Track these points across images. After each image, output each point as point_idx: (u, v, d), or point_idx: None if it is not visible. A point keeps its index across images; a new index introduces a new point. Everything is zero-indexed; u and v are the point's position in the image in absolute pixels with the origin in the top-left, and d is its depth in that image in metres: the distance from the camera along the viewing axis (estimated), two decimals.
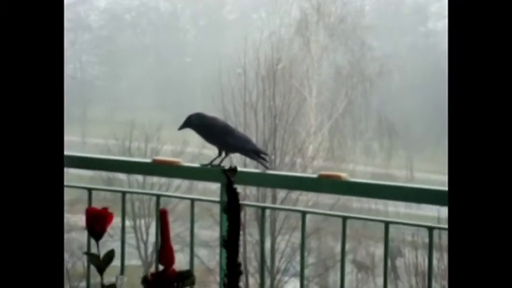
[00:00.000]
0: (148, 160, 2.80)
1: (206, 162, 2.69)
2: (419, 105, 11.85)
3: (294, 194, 9.26)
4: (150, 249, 10.24)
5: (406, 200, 2.56)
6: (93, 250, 2.05)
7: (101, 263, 2.00)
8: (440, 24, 12.42)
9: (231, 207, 1.73)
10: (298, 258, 9.61)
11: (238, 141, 2.65)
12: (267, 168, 2.73)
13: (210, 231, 8.51)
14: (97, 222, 1.98)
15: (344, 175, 2.47)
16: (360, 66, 10.85)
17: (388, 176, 10.66)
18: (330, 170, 10.05)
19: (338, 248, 9.68)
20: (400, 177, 10.99)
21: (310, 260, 9.48)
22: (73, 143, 11.82)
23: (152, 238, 10.09)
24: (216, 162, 2.60)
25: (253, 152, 2.61)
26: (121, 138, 10.87)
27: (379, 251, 9.83)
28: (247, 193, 8.66)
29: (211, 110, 10.26)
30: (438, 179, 11.31)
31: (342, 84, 10.76)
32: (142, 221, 10.28)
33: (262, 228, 2.54)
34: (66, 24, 13.18)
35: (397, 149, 11.16)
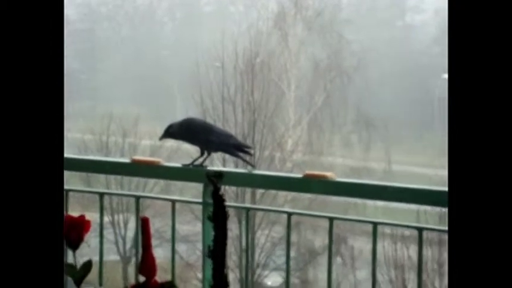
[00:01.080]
0: (126, 160, 2.74)
1: (186, 158, 2.65)
2: (397, 98, 11.90)
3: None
4: (129, 244, 10.18)
5: (396, 200, 2.54)
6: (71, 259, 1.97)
7: (78, 274, 1.89)
8: (418, 17, 12.46)
9: (218, 216, 1.65)
10: (278, 252, 9.62)
11: (220, 138, 2.62)
12: (252, 166, 2.70)
13: (189, 226, 8.48)
14: (74, 231, 1.87)
15: (330, 174, 2.42)
16: (337, 60, 10.86)
17: (366, 168, 10.70)
18: (309, 164, 10.06)
19: (318, 242, 9.70)
20: (378, 169, 11.03)
21: (291, 253, 9.48)
22: None
23: (130, 233, 10.04)
24: (198, 162, 2.58)
25: (236, 148, 2.58)
26: (98, 132, 10.77)
27: (358, 244, 9.86)
28: (225, 189, 8.63)
29: (190, 104, 10.23)
30: (416, 171, 11.36)
31: (320, 78, 10.76)
32: (121, 216, 10.21)
33: (247, 229, 2.50)
34: None
35: (375, 141, 11.20)
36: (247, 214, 2.73)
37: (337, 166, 10.15)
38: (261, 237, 9.43)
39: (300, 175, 2.54)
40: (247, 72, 9.84)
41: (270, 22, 10.87)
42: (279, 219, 8.83)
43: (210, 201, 1.70)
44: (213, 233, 1.64)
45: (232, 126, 9.41)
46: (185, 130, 2.66)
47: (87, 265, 1.89)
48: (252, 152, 2.67)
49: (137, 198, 2.77)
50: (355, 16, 11.47)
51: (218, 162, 8.02)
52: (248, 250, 2.87)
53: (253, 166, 2.66)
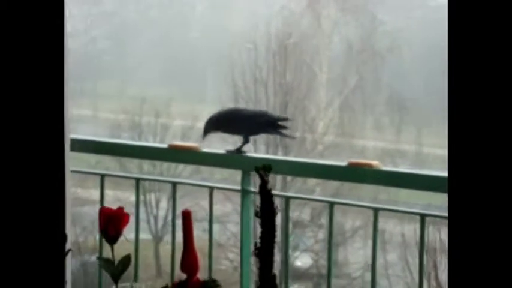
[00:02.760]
0: (163, 145, 2.73)
1: (217, 139, 2.62)
2: (429, 80, 11.80)
3: None
4: (161, 223, 10.26)
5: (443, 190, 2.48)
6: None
7: (116, 269, 1.80)
8: None
9: (265, 212, 1.57)
10: (308, 233, 9.63)
11: (260, 121, 2.60)
12: (293, 138, 2.63)
13: (220, 206, 8.51)
14: (111, 225, 1.79)
15: (376, 163, 2.37)
16: (370, 41, 10.78)
17: (397, 151, 10.63)
18: (340, 147, 10.03)
19: (348, 225, 9.69)
20: (409, 152, 10.97)
21: (319, 235, 9.48)
22: (85, 117, 11.80)
23: (162, 212, 10.10)
24: (238, 147, 2.56)
25: (274, 124, 2.54)
26: (131, 113, 10.84)
27: (389, 226, 9.83)
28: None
29: (221, 85, 10.22)
30: (444, 153, 11.24)
31: (353, 60, 10.69)
32: (153, 196, 10.28)
33: (287, 218, 2.46)
34: None
35: (407, 124, 11.13)
36: (288, 203, 2.68)
37: (368, 148, 10.11)
38: (291, 218, 9.43)
39: (343, 163, 2.49)
40: (280, 54, 9.81)
41: (302, 3, 10.81)
42: (308, 201, 8.83)
43: (249, 188, 1.66)
44: (258, 227, 1.55)
45: (264, 107, 9.39)
46: (227, 122, 2.63)
47: (126, 260, 1.82)
48: (287, 124, 2.63)
49: (173, 184, 2.77)
50: None
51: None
52: (287, 241, 2.86)
53: (294, 137, 2.62)
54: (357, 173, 2.46)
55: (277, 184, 8.94)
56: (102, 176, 2.71)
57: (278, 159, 2.76)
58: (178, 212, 10.74)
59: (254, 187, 2.41)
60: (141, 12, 14.29)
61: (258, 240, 1.56)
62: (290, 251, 9.85)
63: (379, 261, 9.68)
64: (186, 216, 1.70)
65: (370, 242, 9.83)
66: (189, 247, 1.71)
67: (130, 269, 2.66)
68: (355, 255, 9.30)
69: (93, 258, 8.49)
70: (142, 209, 10.25)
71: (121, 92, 12.44)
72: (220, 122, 2.64)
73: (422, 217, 2.37)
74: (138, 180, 2.80)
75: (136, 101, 10.84)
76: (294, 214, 10.02)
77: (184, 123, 10.00)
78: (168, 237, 10.45)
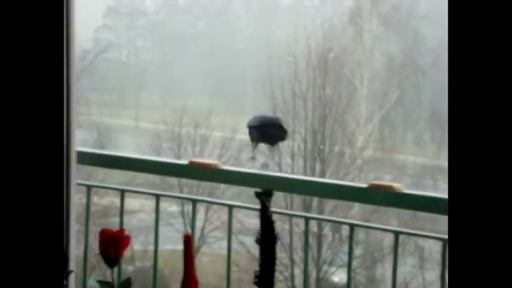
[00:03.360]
0: (184, 162, 2.68)
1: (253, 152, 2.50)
2: None
3: None
4: (198, 234, 10.27)
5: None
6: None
7: None
8: None
9: (265, 238, 1.46)
10: (345, 249, 9.54)
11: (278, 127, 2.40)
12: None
13: (255, 219, 8.49)
14: (111, 247, 1.70)
15: (397, 186, 2.28)
16: (413, 56, 10.67)
17: (438, 167, 10.50)
18: (379, 161, 9.92)
19: (386, 241, 9.57)
20: None
21: (357, 251, 9.39)
22: (127, 127, 11.91)
23: (199, 223, 10.11)
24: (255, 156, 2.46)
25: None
26: (171, 123, 10.91)
27: (428, 244, 9.68)
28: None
29: (261, 98, 10.21)
30: None
31: (394, 74, 10.60)
32: (190, 207, 10.30)
33: (306, 240, 2.38)
34: (122, 9, 13.27)
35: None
36: (307, 223, 2.60)
37: (408, 164, 9.99)
38: (328, 233, 9.37)
39: (364, 185, 2.39)
40: (320, 67, 9.77)
41: (344, 17, 10.77)
42: (346, 216, 8.74)
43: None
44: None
45: (303, 121, 9.36)
46: (264, 133, 2.45)
47: (126, 284, 1.73)
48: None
49: (194, 201, 2.71)
50: (432, 12, 11.24)
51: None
52: (307, 261, 2.77)
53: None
54: (378, 195, 2.36)
55: (314, 201, 8.89)
56: (122, 191, 2.65)
57: (298, 179, 2.68)
58: (214, 225, 10.63)
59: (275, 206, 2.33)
60: (189, 23, 14.39)
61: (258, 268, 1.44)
62: (326, 266, 9.79)
63: (418, 279, 9.56)
64: (187, 241, 1.56)
65: (409, 259, 9.68)
66: (189, 272, 1.58)
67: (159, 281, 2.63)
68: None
69: (130, 268, 8.54)
70: (179, 220, 10.32)
71: (164, 103, 12.53)
72: (263, 132, 2.47)
73: (396, 234, 2.32)
74: (158, 196, 2.75)
75: (177, 111, 10.92)
76: (330, 228, 9.95)
77: (223, 135, 10.02)
78: (205, 248, 10.45)
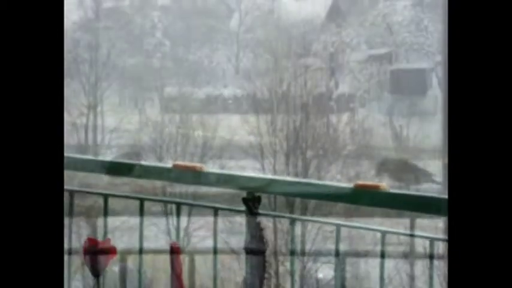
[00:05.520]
0: (168, 165, 2.61)
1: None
2: None
3: None
4: (182, 233, 10.23)
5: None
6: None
7: None
8: None
9: (254, 247, 1.34)
10: (329, 246, 9.51)
11: None
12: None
13: (241, 217, 8.47)
14: (95, 258, 1.65)
15: (383, 185, 2.26)
16: None
17: None
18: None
19: (369, 237, 9.56)
20: None
21: (341, 247, 9.38)
22: None
23: (183, 224, 10.08)
24: None
25: None
26: None
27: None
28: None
29: None
30: None
31: None
32: (173, 206, 10.24)
33: (293, 240, 2.36)
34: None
35: None
36: (293, 225, 2.58)
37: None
38: (312, 230, 9.37)
39: (349, 185, 2.38)
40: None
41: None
42: (331, 212, 8.73)
43: (256, 210, 1.41)
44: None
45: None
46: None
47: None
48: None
49: (178, 204, 2.67)
50: None
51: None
52: (294, 260, 2.71)
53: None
54: (364, 196, 2.34)
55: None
56: (106, 196, 2.60)
57: (283, 180, 2.66)
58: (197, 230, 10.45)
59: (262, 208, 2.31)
60: None
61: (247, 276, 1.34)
62: (311, 263, 9.77)
63: (423, 278, 9.54)
64: (175, 251, 1.48)
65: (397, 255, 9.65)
66: (177, 284, 1.51)
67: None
68: (377, 268, 9.14)
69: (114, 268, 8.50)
70: (163, 221, 10.28)
71: None
72: None
73: (383, 234, 2.32)
74: (142, 200, 2.69)
75: None
76: (315, 225, 9.90)
77: None
78: (189, 248, 10.40)
